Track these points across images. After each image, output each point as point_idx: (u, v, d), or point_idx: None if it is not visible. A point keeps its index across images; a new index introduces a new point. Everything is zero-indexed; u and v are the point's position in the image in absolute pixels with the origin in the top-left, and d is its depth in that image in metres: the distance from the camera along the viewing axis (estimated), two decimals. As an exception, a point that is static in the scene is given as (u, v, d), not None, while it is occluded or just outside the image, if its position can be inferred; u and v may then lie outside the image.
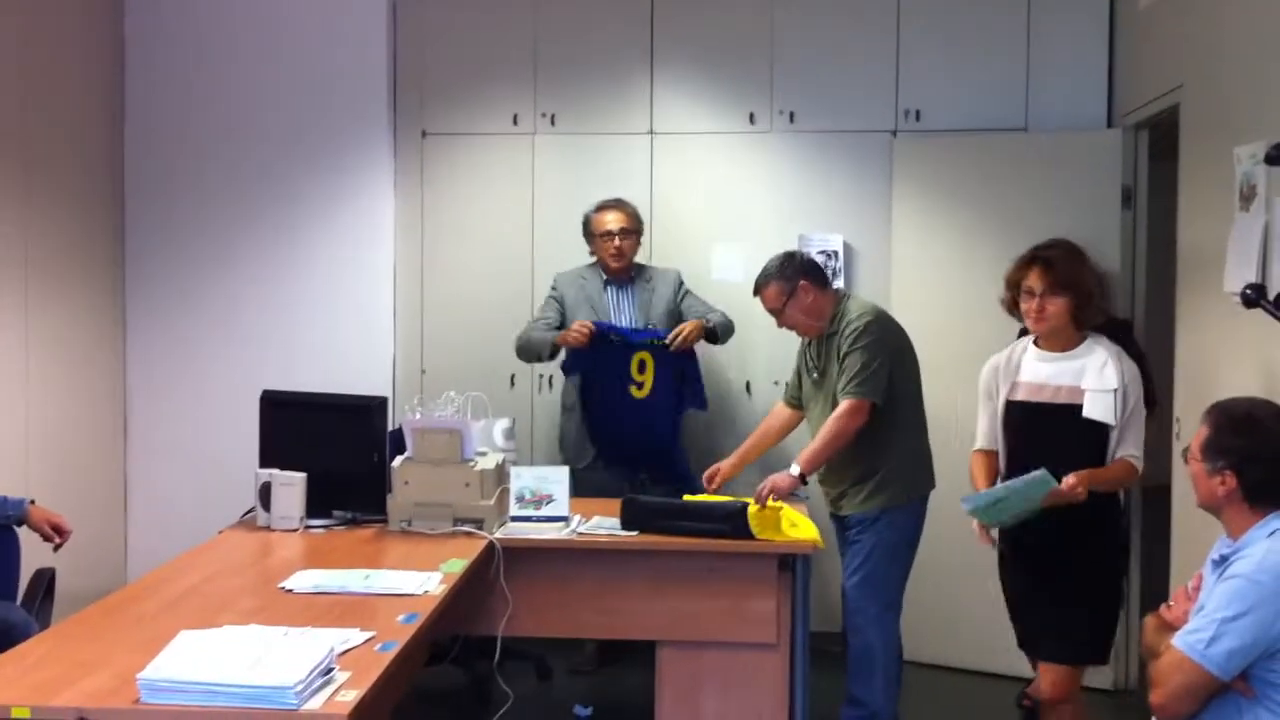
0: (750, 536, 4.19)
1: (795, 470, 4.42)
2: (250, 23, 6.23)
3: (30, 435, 5.49)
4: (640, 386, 5.38)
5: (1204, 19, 4.61)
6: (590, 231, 5.53)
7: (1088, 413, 3.87)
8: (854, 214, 5.95)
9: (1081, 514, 3.86)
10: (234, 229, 6.25)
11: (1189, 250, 4.79)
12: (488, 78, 6.19)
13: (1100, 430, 3.89)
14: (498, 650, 4.21)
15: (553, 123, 6.15)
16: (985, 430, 4.16)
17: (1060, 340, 4.00)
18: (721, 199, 6.06)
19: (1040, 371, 4.01)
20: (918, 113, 5.92)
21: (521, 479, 4.44)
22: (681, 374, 5.45)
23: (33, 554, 4.27)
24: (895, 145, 5.89)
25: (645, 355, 5.36)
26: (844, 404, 4.40)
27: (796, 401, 4.84)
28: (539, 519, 4.38)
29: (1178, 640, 2.82)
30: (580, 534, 4.31)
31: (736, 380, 5.99)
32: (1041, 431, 3.99)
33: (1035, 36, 5.86)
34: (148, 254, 6.30)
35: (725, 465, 4.85)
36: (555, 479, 4.45)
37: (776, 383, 5.79)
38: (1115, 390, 3.86)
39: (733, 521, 4.21)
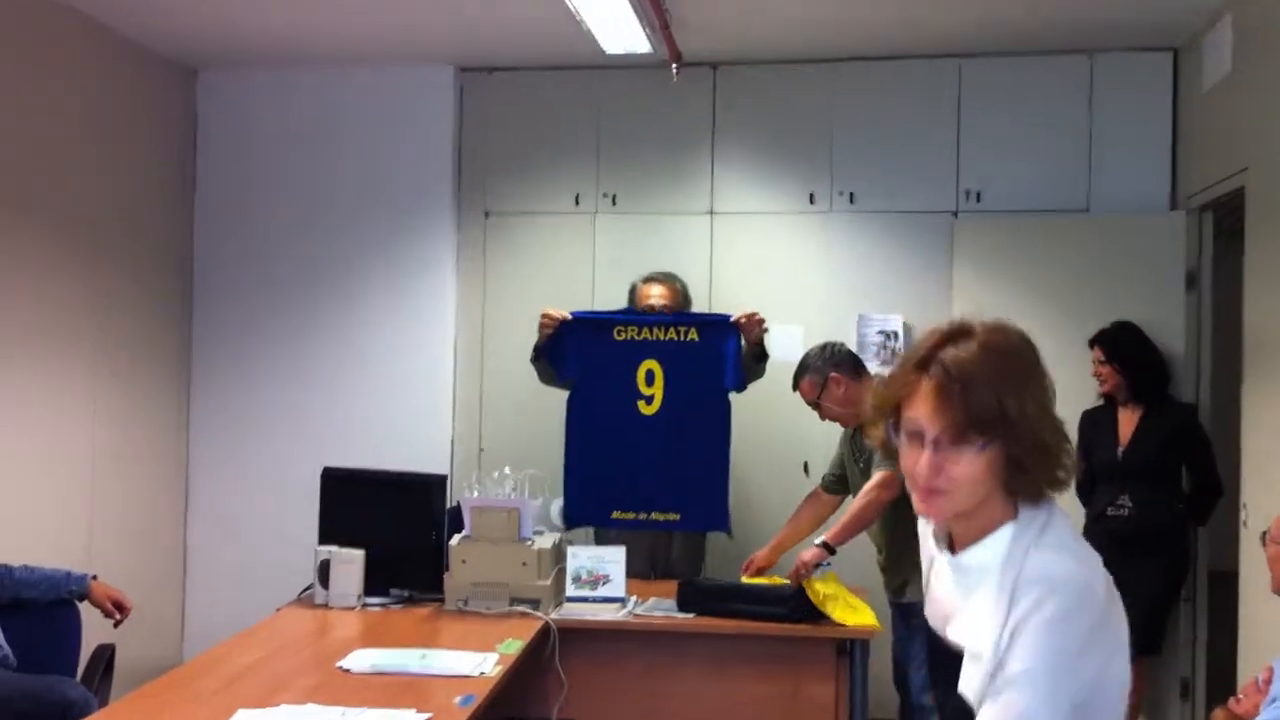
0: (810, 619, 4.14)
1: (819, 540, 4.39)
2: (318, 105, 6.37)
3: (94, 509, 5.56)
4: (649, 401, 5.09)
5: (1269, 102, 4.59)
6: (634, 301, 5.40)
7: (963, 686, 1.84)
8: (914, 294, 5.92)
9: None
10: (298, 307, 6.35)
11: (1255, 333, 4.73)
12: (550, 159, 6.27)
13: None
14: (552, 733, 4.19)
15: (614, 203, 6.20)
16: None
17: (975, 521, 1.89)
18: (781, 279, 6.07)
19: (940, 585, 2.01)
20: (978, 194, 5.92)
21: (578, 559, 4.43)
22: (713, 361, 5.00)
23: (93, 629, 4.30)
24: (956, 226, 5.87)
25: (653, 364, 5.08)
26: (875, 475, 4.38)
27: (834, 486, 4.83)
28: (595, 599, 4.35)
29: (1250, 734, 2.73)
30: (637, 615, 4.29)
31: (794, 459, 5.94)
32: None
33: (1097, 118, 5.85)
34: (213, 331, 6.41)
35: (761, 555, 4.81)
36: (612, 559, 4.42)
37: (835, 464, 5.77)
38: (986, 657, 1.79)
39: (791, 604, 4.17)
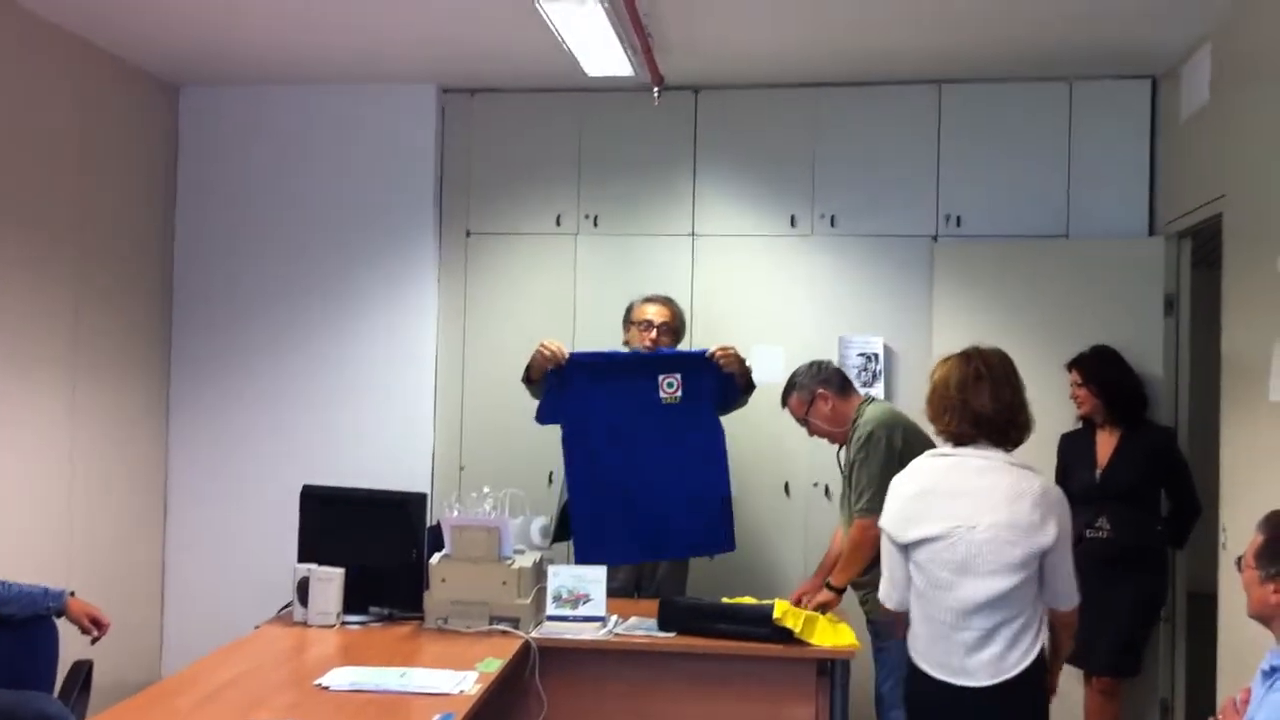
0: (790, 640, 4.14)
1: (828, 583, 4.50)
2: (300, 123, 6.38)
3: (73, 525, 5.53)
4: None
5: (1246, 131, 4.63)
6: (630, 319, 5.36)
7: None
8: (895, 317, 5.95)
9: None
10: (278, 324, 6.34)
11: (1233, 359, 4.76)
12: (532, 179, 6.28)
13: None
14: (532, 752, 4.17)
15: (595, 224, 6.21)
16: None
17: None
18: (762, 301, 6.09)
19: None
20: (958, 218, 5.95)
21: (558, 578, 4.42)
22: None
23: (70, 645, 4.27)
24: (936, 250, 5.90)
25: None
26: (855, 522, 4.39)
27: None
28: (575, 619, 4.34)
29: (1227, 754, 2.73)
30: (617, 634, 4.27)
31: (774, 480, 5.95)
32: None
33: (1076, 144, 5.90)
34: (193, 348, 6.40)
35: (809, 586, 4.69)
36: (592, 578, 4.42)
37: (815, 484, 5.79)
38: None
39: (772, 624, 4.17)
